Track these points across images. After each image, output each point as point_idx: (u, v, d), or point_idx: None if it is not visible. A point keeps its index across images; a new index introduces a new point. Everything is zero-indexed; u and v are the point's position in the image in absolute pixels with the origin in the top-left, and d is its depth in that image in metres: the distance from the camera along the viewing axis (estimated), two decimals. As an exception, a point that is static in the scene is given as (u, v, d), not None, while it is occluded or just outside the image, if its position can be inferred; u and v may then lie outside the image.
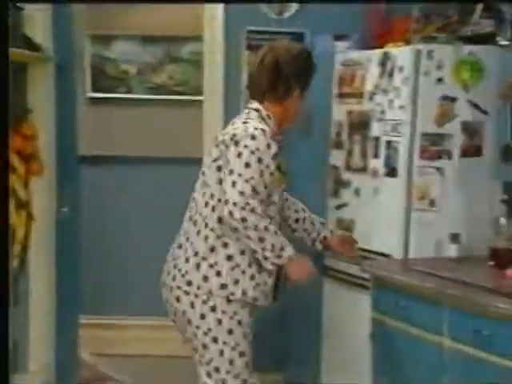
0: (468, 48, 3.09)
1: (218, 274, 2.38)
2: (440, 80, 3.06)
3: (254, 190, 2.32)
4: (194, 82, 4.42)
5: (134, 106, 4.51)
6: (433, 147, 3.09)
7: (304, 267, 2.47)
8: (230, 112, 3.56)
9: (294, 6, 3.66)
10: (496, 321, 2.51)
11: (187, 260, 2.42)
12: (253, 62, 2.58)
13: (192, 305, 2.40)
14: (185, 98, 4.47)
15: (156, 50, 4.52)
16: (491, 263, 2.87)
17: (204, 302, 2.38)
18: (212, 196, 2.41)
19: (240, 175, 2.32)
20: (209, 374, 2.41)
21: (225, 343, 2.37)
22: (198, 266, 2.39)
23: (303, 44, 2.71)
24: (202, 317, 2.38)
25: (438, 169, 3.10)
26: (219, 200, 2.38)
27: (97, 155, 4.34)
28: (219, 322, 2.38)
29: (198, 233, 2.43)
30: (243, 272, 2.39)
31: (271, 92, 2.49)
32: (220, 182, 2.38)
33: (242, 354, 2.40)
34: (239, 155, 2.34)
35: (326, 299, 3.46)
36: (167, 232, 4.49)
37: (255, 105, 2.51)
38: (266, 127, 2.43)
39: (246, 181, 2.31)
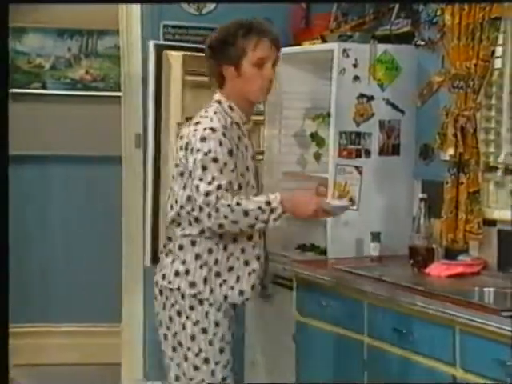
0: (384, 47, 3.12)
1: (187, 272, 2.37)
2: (356, 78, 3.07)
3: (219, 187, 2.30)
4: (112, 78, 4.30)
5: (49, 103, 4.34)
6: (351, 146, 3.10)
7: (303, 202, 2.41)
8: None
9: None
10: (414, 319, 2.55)
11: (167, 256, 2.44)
12: None
13: (164, 306, 2.40)
14: (102, 94, 4.34)
15: (71, 43, 4.37)
16: (411, 262, 2.90)
17: (172, 305, 2.39)
18: (176, 201, 2.41)
19: (201, 179, 2.31)
20: (177, 378, 2.41)
21: (188, 349, 2.37)
22: (172, 261, 2.40)
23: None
24: (171, 319, 2.39)
25: (357, 167, 3.11)
26: (181, 207, 2.38)
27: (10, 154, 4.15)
28: (183, 326, 2.37)
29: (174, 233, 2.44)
30: (210, 270, 2.37)
31: (213, 80, 2.42)
32: (184, 187, 2.38)
33: (206, 361, 2.36)
34: (195, 161, 2.33)
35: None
36: (87, 234, 4.42)
37: (217, 96, 2.43)
38: (217, 124, 2.35)
39: (209, 183, 2.30)
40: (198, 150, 2.32)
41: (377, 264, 2.97)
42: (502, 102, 2.94)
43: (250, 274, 2.40)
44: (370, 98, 3.10)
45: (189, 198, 2.35)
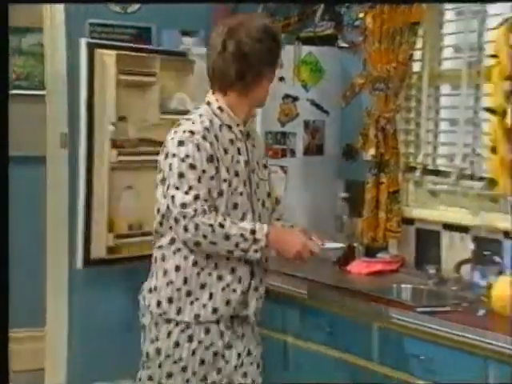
0: (308, 48, 3.16)
1: (156, 288, 2.24)
2: (282, 79, 3.10)
3: (196, 198, 2.14)
4: (37, 76, 4.20)
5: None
6: (277, 145, 3.14)
7: (289, 241, 2.25)
8: (75, 107, 3.43)
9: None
10: (337, 316, 2.59)
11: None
12: (212, 48, 2.23)
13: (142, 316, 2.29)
14: (26, 92, 4.24)
15: (-6, 40, 4.26)
16: (333, 260, 2.94)
17: (142, 316, 2.29)
18: (158, 210, 2.24)
19: (177, 188, 2.14)
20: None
21: (143, 362, 2.30)
22: (152, 275, 2.28)
23: (261, 21, 2.28)
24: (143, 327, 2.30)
25: (282, 167, 3.15)
26: (163, 216, 2.22)
27: None
28: (144, 339, 2.28)
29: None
30: (178, 289, 2.21)
31: (238, 83, 2.22)
32: (165, 196, 2.19)
33: (150, 379, 2.28)
34: (170, 167, 2.16)
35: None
36: (10, 236, 4.27)
37: (209, 97, 2.26)
38: (198, 127, 2.18)
39: (186, 193, 2.14)
40: (174, 155, 2.16)
41: (300, 262, 2.99)
42: (421, 105, 3.02)
43: (223, 289, 2.21)
44: (295, 99, 3.15)
45: (169, 207, 2.18)
